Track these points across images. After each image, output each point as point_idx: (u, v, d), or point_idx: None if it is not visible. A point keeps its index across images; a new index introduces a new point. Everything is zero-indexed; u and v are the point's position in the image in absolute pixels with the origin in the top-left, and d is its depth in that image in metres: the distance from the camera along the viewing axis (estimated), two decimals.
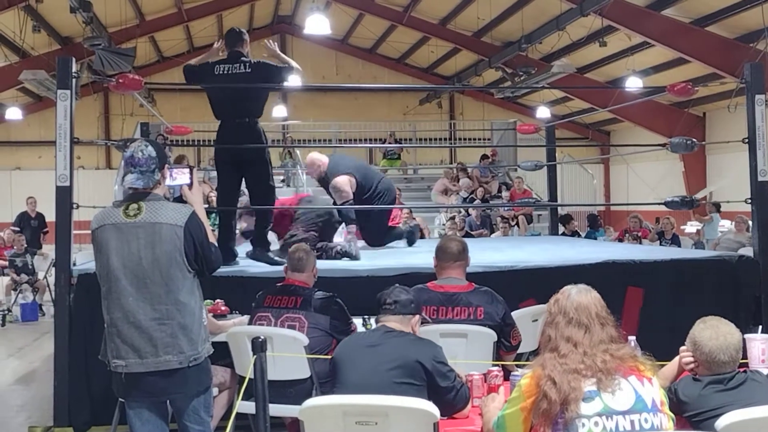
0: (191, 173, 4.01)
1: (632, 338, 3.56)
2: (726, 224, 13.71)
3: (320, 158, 7.78)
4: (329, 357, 3.99)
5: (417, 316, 3.93)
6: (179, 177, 3.94)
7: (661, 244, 13.01)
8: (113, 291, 3.69)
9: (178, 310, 3.67)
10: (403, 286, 4.02)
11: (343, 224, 7.43)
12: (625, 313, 5.72)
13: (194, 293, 3.77)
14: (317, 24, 14.33)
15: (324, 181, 7.71)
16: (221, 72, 6.44)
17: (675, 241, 13.23)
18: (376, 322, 3.93)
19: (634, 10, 14.42)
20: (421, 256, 7.15)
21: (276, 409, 4.22)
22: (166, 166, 3.87)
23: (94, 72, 15.27)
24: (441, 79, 24.03)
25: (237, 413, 3.86)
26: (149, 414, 3.76)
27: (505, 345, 4.61)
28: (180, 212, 3.73)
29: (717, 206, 14.56)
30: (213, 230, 4.43)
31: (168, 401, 3.82)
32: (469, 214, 15.52)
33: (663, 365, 3.36)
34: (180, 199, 4.14)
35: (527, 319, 5.09)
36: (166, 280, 3.65)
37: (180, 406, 3.77)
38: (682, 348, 3.42)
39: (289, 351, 4.53)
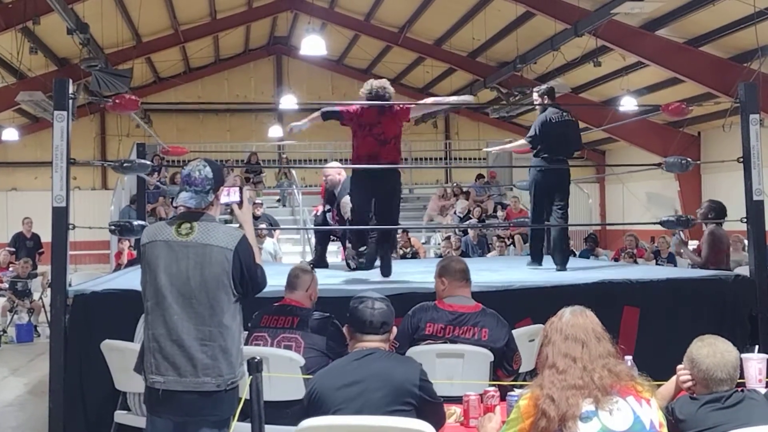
0: (241, 192, 4.03)
1: (629, 358, 3.56)
2: None
3: (342, 171, 7.92)
4: None
5: (394, 329, 3.84)
6: (229, 196, 3.97)
7: (657, 264, 13.01)
8: (158, 307, 3.69)
9: (221, 333, 3.66)
10: (378, 296, 3.80)
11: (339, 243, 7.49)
12: (621, 332, 5.71)
13: (236, 317, 3.77)
14: (313, 45, 14.41)
15: (332, 193, 7.84)
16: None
17: (671, 260, 13.24)
18: (349, 335, 3.77)
19: (628, 30, 14.50)
20: (417, 276, 7.16)
21: (272, 430, 4.21)
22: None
23: (90, 93, 15.34)
24: None
25: None
26: None
27: (506, 369, 4.62)
28: (231, 235, 3.74)
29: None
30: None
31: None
32: (465, 234, 15.53)
33: (660, 385, 3.36)
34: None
35: (524, 338, 5.09)
36: (212, 302, 3.66)
37: (204, 430, 3.68)
38: (680, 367, 3.43)
39: (285, 371, 4.51)
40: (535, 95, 8.27)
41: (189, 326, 3.65)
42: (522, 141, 8.16)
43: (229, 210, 4.17)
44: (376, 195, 6.92)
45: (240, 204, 4.02)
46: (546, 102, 7.97)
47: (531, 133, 7.81)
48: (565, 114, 7.82)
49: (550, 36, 15.54)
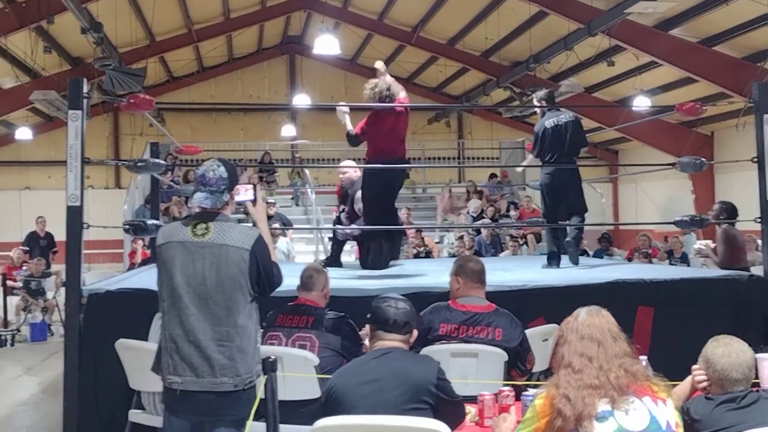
0: (255, 190, 4.04)
1: (644, 358, 3.55)
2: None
3: (358, 169, 8.11)
4: None
5: (415, 331, 3.86)
6: (243, 194, 3.97)
7: (670, 263, 12.97)
8: (175, 308, 3.70)
9: (237, 333, 3.67)
10: (400, 297, 3.87)
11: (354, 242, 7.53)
12: (635, 332, 5.68)
13: (252, 317, 3.78)
14: (326, 44, 14.41)
15: (346, 192, 8.07)
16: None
17: (684, 260, 13.19)
18: (370, 333, 3.81)
19: (641, 30, 14.45)
20: (430, 275, 7.16)
21: (287, 430, 4.21)
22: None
23: (104, 92, 15.38)
24: (449, 98, 24.08)
25: None
26: None
27: (520, 369, 4.61)
28: (247, 235, 3.75)
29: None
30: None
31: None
32: (478, 233, 15.51)
33: (675, 385, 3.35)
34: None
35: (537, 338, 5.09)
36: (228, 303, 3.67)
37: (221, 429, 3.69)
38: (695, 367, 3.42)
39: (299, 371, 4.52)
40: (534, 100, 8.27)
41: (206, 327, 3.65)
42: (531, 157, 8.16)
43: (243, 209, 4.18)
44: (391, 190, 7.22)
45: (254, 202, 4.02)
46: (544, 106, 7.97)
47: (532, 142, 7.88)
48: (562, 116, 7.80)
49: (564, 35, 15.51)
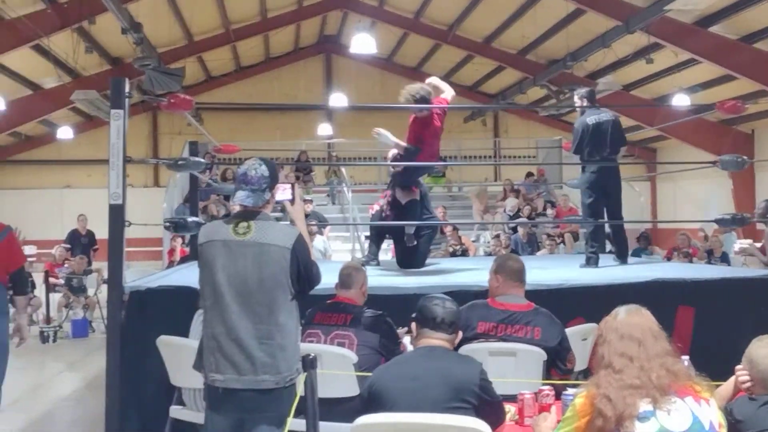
0: (293, 189, 4.07)
1: (685, 358, 3.52)
2: None
3: None
4: None
5: (460, 333, 3.88)
6: (281, 193, 4.00)
7: (710, 263, 12.81)
8: (217, 306, 3.74)
9: (278, 331, 3.70)
10: (447, 297, 3.89)
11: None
12: (676, 333, 5.62)
13: (293, 315, 3.81)
14: (363, 43, 14.46)
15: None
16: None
17: (724, 259, 13.02)
18: (415, 331, 3.81)
19: (680, 27, 14.30)
20: (468, 273, 7.16)
21: (325, 427, 4.23)
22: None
23: (143, 92, 15.56)
24: (485, 97, 24.02)
25: (289, 431, 3.87)
26: None
27: (560, 368, 4.56)
28: (287, 234, 3.79)
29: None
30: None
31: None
32: (515, 232, 15.45)
33: (718, 385, 3.32)
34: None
35: (577, 338, 5.05)
36: (269, 301, 3.70)
37: (262, 427, 3.72)
38: (738, 367, 3.39)
39: (338, 368, 4.54)
40: (575, 98, 8.19)
41: (247, 325, 3.68)
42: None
43: (280, 207, 4.21)
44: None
45: (292, 201, 4.05)
46: (585, 105, 7.91)
47: (572, 146, 7.82)
48: (603, 115, 7.74)
49: (602, 33, 15.40)
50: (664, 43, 14.88)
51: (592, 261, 7.78)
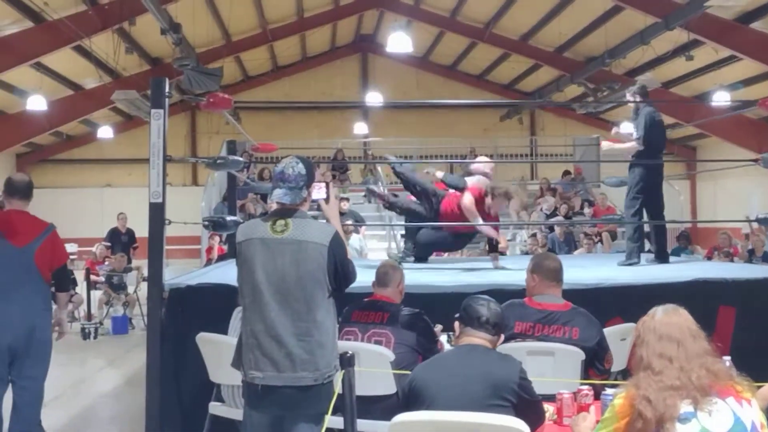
0: (327, 188, 4.10)
1: (727, 359, 3.48)
2: None
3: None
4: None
5: (502, 336, 3.88)
6: (316, 192, 4.04)
7: (751, 262, 12.63)
8: (256, 304, 3.77)
9: (317, 328, 3.73)
10: (492, 300, 3.90)
11: None
12: (717, 333, 5.55)
13: (330, 312, 3.84)
14: (399, 42, 14.43)
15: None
16: None
17: (766, 259, 12.83)
18: (458, 330, 3.81)
19: (721, 23, 14.11)
20: (504, 272, 7.13)
21: (363, 425, 4.25)
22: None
23: (182, 91, 15.72)
24: (521, 95, 23.92)
25: (326, 429, 3.89)
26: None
27: (598, 369, 4.52)
28: (324, 231, 3.82)
29: None
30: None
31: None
32: (552, 231, 15.36)
33: (760, 386, 3.27)
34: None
35: (615, 338, 5.01)
36: (307, 298, 3.73)
37: (301, 424, 3.76)
38: None
39: (375, 366, 4.55)
40: (627, 95, 8.08)
41: (286, 322, 3.71)
42: (632, 143, 7.83)
43: (316, 206, 4.23)
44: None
45: (327, 200, 4.08)
46: (639, 101, 7.81)
47: (640, 132, 7.61)
48: (657, 112, 7.70)
49: (640, 30, 15.24)
50: (704, 39, 14.70)
51: (634, 255, 7.68)
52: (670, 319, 2.94)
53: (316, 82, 24.28)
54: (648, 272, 7.19)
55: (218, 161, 6.89)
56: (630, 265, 7.66)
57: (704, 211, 22.83)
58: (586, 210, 16.75)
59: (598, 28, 16.75)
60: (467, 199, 7.31)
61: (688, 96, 18.78)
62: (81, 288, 13.66)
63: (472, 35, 20.24)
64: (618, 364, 4.79)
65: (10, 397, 5.38)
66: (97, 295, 13.55)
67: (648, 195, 7.66)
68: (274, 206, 3.96)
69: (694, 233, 20.53)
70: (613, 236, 15.58)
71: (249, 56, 21.22)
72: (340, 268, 3.81)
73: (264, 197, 15.15)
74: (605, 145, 7.93)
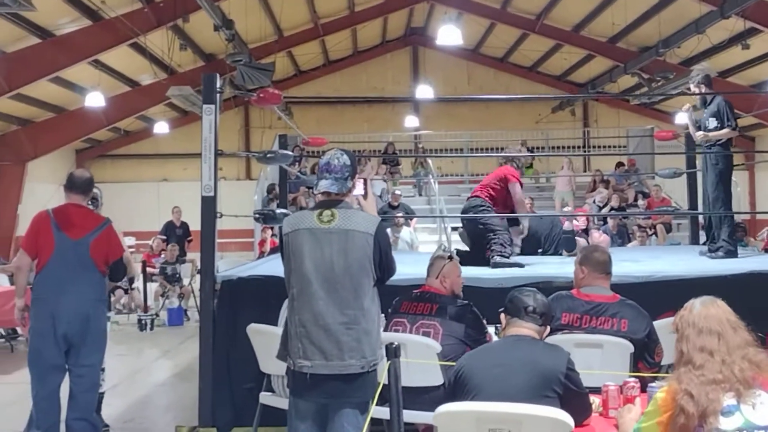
0: (365, 184, 4.19)
1: None
2: None
3: None
4: None
5: (548, 328, 3.87)
6: (354, 188, 4.11)
7: None
8: (304, 294, 3.85)
9: (363, 315, 3.81)
10: (538, 291, 3.90)
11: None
12: None
13: (375, 300, 3.91)
14: (449, 35, 14.38)
15: None
16: None
17: None
18: (504, 322, 3.82)
19: None
20: (550, 266, 7.10)
21: (409, 416, 4.29)
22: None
23: (235, 87, 15.89)
24: (574, 86, 23.65)
25: (371, 418, 3.93)
26: (312, 421, 3.85)
27: (648, 361, 4.49)
28: (370, 221, 3.90)
29: None
30: None
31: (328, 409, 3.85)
32: (605, 223, 15.21)
33: None
34: None
35: (665, 330, 4.93)
36: (355, 286, 3.80)
37: (346, 410, 3.79)
38: None
39: (422, 357, 4.59)
40: (691, 86, 7.89)
41: (334, 311, 3.78)
42: (726, 130, 7.64)
43: (356, 203, 4.30)
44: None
45: (365, 196, 4.15)
46: (704, 91, 7.66)
47: (731, 122, 7.46)
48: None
49: (695, 18, 14.98)
50: (761, 27, 14.39)
51: (731, 254, 7.50)
52: (709, 312, 2.91)
53: (367, 76, 24.32)
54: (701, 265, 7.10)
55: (268, 155, 6.99)
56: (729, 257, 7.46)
57: (763, 202, 22.33)
58: (640, 202, 16.54)
59: (652, 17, 16.49)
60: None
61: (745, 85, 18.39)
62: (138, 281, 13.93)
63: (523, 26, 20.06)
64: (669, 357, 4.74)
65: (67, 385, 5.54)
66: (153, 287, 13.81)
67: (727, 184, 7.55)
68: (319, 197, 4.03)
69: (753, 225, 20.13)
70: (668, 228, 15.38)
71: (301, 51, 21.32)
72: (384, 258, 3.88)
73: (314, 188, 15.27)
74: (699, 134, 7.73)
